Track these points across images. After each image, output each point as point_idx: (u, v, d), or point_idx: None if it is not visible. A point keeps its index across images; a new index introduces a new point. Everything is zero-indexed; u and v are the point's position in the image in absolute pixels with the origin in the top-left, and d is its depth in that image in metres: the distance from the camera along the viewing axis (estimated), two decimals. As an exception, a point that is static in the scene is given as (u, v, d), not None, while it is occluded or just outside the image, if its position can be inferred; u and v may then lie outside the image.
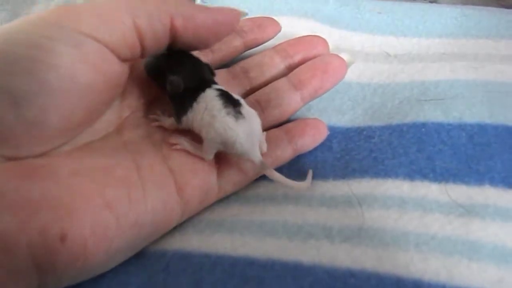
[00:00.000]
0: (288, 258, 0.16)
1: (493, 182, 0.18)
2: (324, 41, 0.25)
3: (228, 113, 0.18)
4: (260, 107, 0.22)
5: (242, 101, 0.20)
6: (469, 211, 0.17)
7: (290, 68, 0.24)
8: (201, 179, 0.19)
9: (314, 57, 0.24)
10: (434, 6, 0.30)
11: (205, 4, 0.30)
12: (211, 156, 0.19)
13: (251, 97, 0.23)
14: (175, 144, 0.20)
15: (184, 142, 0.20)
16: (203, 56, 0.23)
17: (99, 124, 0.19)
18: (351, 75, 0.26)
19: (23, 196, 0.14)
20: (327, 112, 0.24)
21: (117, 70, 0.17)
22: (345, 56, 0.25)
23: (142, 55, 0.18)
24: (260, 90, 0.23)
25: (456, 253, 0.16)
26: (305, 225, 0.18)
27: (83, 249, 0.15)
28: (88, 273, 0.16)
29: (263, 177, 0.21)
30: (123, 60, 0.17)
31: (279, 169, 0.21)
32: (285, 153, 0.21)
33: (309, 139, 0.22)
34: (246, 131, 0.18)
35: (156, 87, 0.21)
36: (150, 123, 0.20)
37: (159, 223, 0.17)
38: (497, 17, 0.27)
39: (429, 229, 0.17)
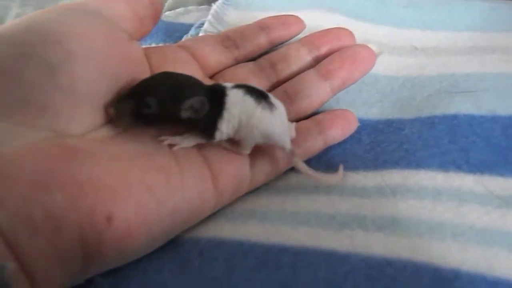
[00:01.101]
0: (322, 247, 0.16)
1: None
2: (350, 33, 0.25)
3: (263, 108, 0.18)
4: (289, 99, 0.22)
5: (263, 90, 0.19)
6: (507, 202, 0.17)
7: (317, 60, 0.24)
8: (235, 169, 0.19)
9: (341, 48, 0.24)
10: (460, 0, 0.30)
11: (230, 0, 0.30)
12: (249, 151, 0.19)
13: (280, 89, 0.23)
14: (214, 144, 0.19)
15: (223, 142, 0.19)
16: (229, 52, 0.23)
17: None
18: (378, 67, 0.26)
19: (72, 176, 0.14)
20: (355, 104, 0.24)
21: (129, 44, 0.19)
22: (373, 47, 0.25)
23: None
24: (288, 82, 0.23)
25: (495, 244, 0.15)
26: (338, 215, 0.18)
27: (127, 231, 0.15)
28: (127, 257, 0.16)
29: (293, 169, 0.21)
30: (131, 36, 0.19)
31: (308, 161, 0.21)
32: (316, 145, 0.21)
33: (339, 130, 0.22)
34: (279, 120, 0.18)
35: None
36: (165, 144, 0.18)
37: (194, 211, 0.18)
38: None
39: (466, 220, 0.16)
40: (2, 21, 0.34)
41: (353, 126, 0.22)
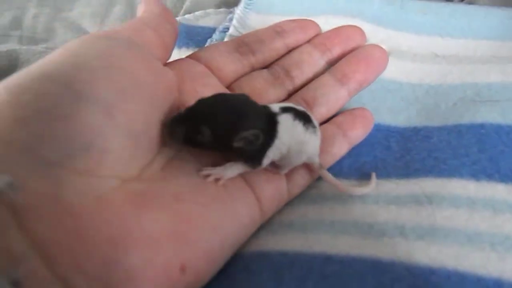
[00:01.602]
0: (365, 255, 0.17)
1: None
2: (360, 31, 0.25)
3: (311, 133, 0.18)
4: (308, 106, 0.22)
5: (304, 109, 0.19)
6: None
7: (330, 62, 0.24)
8: (275, 188, 0.19)
9: (353, 49, 0.24)
10: (478, 8, 0.30)
11: (251, 5, 0.31)
12: (287, 171, 0.20)
13: (297, 97, 0.23)
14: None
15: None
16: (244, 59, 0.23)
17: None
18: (401, 75, 0.26)
19: (146, 231, 0.14)
20: (380, 111, 0.24)
21: (166, 72, 0.19)
22: (384, 46, 0.25)
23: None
24: (305, 88, 0.23)
25: None
26: (376, 224, 0.18)
27: (199, 276, 0.15)
28: None
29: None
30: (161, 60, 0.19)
31: (340, 168, 0.22)
32: (342, 149, 0.22)
33: (361, 130, 0.22)
34: (319, 140, 0.19)
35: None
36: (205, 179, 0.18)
37: (247, 235, 0.18)
38: None
39: (502, 229, 0.17)
40: (20, 21, 0.33)
41: (371, 125, 0.23)
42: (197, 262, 0.15)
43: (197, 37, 0.30)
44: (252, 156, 0.18)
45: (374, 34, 0.28)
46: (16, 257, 0.12)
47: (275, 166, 0.19)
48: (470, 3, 0.34)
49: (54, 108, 0.14)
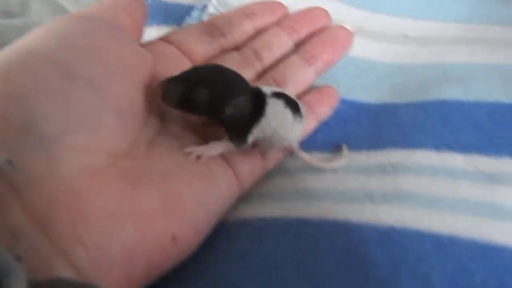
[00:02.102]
0: (337, 218, 0.18)
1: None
2: (326, 12, 0.26)
3: (299, 122, 0.19)
4: (278, 86, 0.23)
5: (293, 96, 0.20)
6: (492, 179, 0.19)
7: (297, 44, 0.25)
8: (250, 164, 0.20)
9: (319, 30, 0.25)
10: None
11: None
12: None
13: (268, 77, 0.24)
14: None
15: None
16: (215, 41, 0.24)
17: (150, 116, 0.19)
18: (374, 55, 0.28)
19: (139, 206, 0.15)
20: (355, 89, 0.26)
21: (146, 54, 0.19)
22: (348, 27, 0.26)
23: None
24: (275, 69, 0.24)
25: (483, 214, 0.18)
26: (347, 191, 0.20)
27: (188, 246, 0.17)
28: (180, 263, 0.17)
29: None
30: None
31: (313, 142, 0.23)
32: (310, 125, 0.23)
33: (327, 107, 0.24)
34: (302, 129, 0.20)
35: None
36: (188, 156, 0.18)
37: (228, 208, 0.19)
38: (505, 6, 0.29)
39: (460, 194, 0.19)
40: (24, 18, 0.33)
41: (337, 101, 0.24)
42: (186, 233, 0.17)
43: (175, 14, 0.30)
44: (238, 132, 0.18)
45: (350, 15, 0.29)
46: (17, 232, 0.13)
47: (254, 146, 0.20)
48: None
49: (47, 85, 0.14)
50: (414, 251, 0.17)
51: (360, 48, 0.28)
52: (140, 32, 0.21)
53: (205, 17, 0.29)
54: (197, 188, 0.18)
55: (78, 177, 0.14)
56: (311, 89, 0.24)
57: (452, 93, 0.24)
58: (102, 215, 0.14)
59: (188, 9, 0.31)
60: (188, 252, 0.17)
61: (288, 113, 0.19)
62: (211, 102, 0.17)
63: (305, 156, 0.21)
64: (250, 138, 0.19)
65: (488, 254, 0.17)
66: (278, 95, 0.19)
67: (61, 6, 0.35)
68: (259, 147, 0.20)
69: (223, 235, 0.19)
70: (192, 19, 0.29)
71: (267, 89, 0.19)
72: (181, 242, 0.16)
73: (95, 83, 0.16)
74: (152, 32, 0.27)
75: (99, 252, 0.14)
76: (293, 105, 0.19)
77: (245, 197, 0.21)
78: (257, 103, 0.18)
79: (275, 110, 0.18)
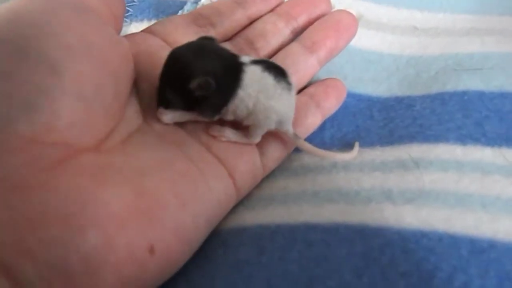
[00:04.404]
0: (352, 221, 0.16)
1: None
2: None
3: (283, 88, 0.17)
4: None
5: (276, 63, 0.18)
6: None
7: (295, 32, 0.23)
8: (247, 162, 0.18)
9: (319, 17, 0.23)
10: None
11: None
12: (259, 139, 0.18)
13: None
14: (220, 136, 0.18)
15: (228, 133, 0.18)
16: (203, 32, 0.22)
17: (129, 112, 0.17)
18: (382, 46, 0.26)
19: (105, 208, 0.12)
20: (363, 81, 0.23)
21: (120, 39, 0.17)
22: (353, 12, 0.24)
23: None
24: (273, 59, 0.22)
25: None
26: (362, 190, 0.17)
27: (170, 256, 0.14)
28: (169, 275, 0.14)
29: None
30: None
31: (321, 139, 0.21)
32: (316, 120, 0.20)
33: (334, 101, 0.21)
34: (294, 102, 0.17)
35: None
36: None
37: (223, 211, 0.17)
38: None
39: (492, 191, 0.16)
40: None
41: (344, 94, 0.21)
42: (168, 242, 0.14)
43: (168, 9, 0.28)
44: (212, 103, 0.17)
45: (353, 6, 0.27)
46: None
47: (243, 134, 0.18)
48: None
49: None
50: (449, 259, 0.14)
51: (367, 40, 0.26)
52: (119, 23, 0.19)
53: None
54: (181, 188, 0.15)
55: (26, 172, 0.12)
56: (315, 82, 0.22)
57: (472, 83, 0.22)
58: (55, 220, 0.11)
59: (182, 4, 0.29)
60: (173, 265, 0.14)
61: (268, 78, 0.16)
62: (180, 96, 0.16)
63: (309, 146, 0.18)
64: (224, 111, 0.17)
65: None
66: (257, 62, 0.17)
67: None
68: (248, 130, 0.18)
69: (218, 242, 0.16)
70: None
71: (245, 58, 0.17)
72: (161, 253, 0.13)
73: (51, 61, 0.13)
74: (143, 28, 0.25)
75: (49, 265, 0.11)
76: (276, 69, 0.17)
77: (243, 202, 0.18)
78: (230, 73, 0.16)
79: (252, 77, 0.16)
